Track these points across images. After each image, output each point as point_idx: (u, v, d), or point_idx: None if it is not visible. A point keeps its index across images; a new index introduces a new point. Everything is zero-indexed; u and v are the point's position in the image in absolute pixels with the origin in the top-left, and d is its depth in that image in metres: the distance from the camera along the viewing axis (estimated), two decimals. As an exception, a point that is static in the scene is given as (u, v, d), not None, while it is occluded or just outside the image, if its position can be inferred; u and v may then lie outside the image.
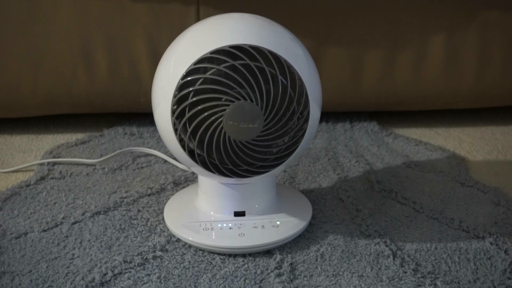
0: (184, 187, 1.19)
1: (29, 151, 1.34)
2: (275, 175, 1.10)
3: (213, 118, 0.94)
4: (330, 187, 1.20)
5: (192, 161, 0.98)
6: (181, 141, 0.97)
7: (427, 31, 1.38)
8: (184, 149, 0.97)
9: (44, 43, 1.34)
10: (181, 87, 0.94)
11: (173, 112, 0.95)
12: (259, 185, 1.05)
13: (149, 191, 1.18)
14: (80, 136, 1.40)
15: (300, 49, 0.98)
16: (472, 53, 1.39)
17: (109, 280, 0.96)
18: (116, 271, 0.98)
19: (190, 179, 1.22)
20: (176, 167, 1.26)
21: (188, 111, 0.94)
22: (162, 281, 0.96)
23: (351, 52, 1.39)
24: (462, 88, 1.42)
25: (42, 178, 1.22)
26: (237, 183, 1.03)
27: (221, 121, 0.94)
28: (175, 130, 0.96)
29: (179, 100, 0.95)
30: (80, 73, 1.36)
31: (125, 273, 0.98)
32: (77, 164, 1.28)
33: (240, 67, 0.93)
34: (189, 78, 0.94)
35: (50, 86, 1.37)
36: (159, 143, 1.36)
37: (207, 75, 0.93)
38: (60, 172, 1.24)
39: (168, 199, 1.14)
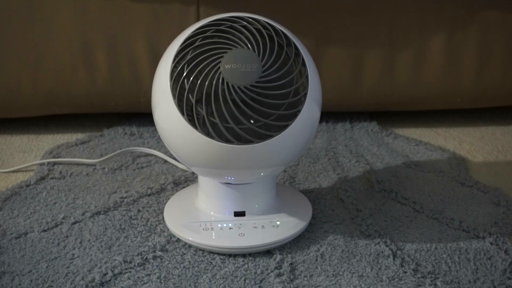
0: (184, 187, 1.19)
1: (29, 151, 1.34)
2: (275, 175, 1.10)
3: (211, 65, 0.94)
4: (330, 187, 1.20)
5: (191, 129, 0.94)
6: (179, 105, 0.95)
7: (427, 31, 1.38)
8: (183, 114, 0.94)
9: (44, 43, 1.34)
10: (180, 50, 0.96)
11: (172, 73, 0.96)
12: (259, 185, 1.05)
13: (149, 191, 1.18)
14: (80, 136, 1.40)
15: (300, 49, 0.98)
16: (472, 53, 1.39)
17: (109, 280, 0.96)
18: (116, 271, 0.98)
19: (190, 179, 1.22)
20: (176, 167, 1.26)
21: (187, 68, 0.95)
22: (162, 281, 0.96)
23: (351, 52, 1.39)
24: (462, 88, 1.42)
25: (42, 178, 1.22)
26: (237, 183, 1.03)
27: (219, 67, 0.94)
28: (173, 89, 0.95)
29: (178, 62, 0.96)
30: (80, 73, 1.36)
31: (125, 273, 0.98)
32: (77, 164, 1.28)
33: (239, 26, 0.96)
34: (189, 41, 0.96)
35: (50, 86, 1.37)
36: (159, 143, 1.36)
37: (207, 34, 0.96)
38: (60, 172, 1.24)
39: (168, 199, 1.14)
